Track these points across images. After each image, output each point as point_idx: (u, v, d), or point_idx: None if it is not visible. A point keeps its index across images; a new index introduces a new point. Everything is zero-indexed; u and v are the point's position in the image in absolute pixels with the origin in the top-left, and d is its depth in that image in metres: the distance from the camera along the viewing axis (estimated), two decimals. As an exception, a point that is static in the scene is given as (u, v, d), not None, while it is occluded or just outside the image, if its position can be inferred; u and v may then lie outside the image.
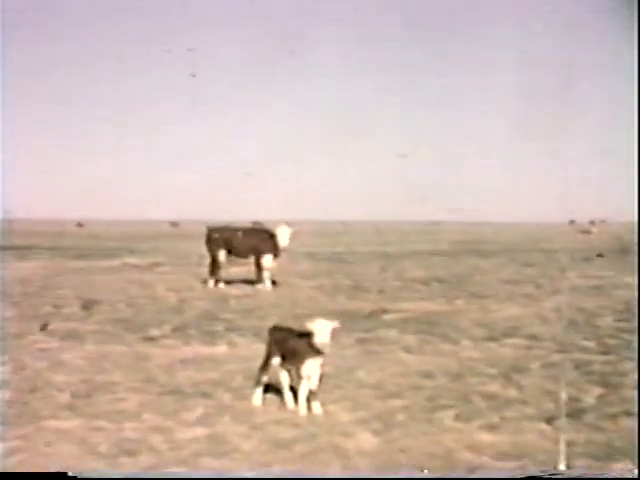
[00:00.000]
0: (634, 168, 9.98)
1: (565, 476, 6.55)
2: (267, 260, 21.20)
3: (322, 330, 8.83)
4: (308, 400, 9.00)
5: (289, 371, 9.23)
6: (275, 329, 9.61)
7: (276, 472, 7.10)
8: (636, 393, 9.26)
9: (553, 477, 6.52)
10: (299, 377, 9.00)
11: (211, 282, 21.31)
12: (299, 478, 6.59)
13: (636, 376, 9.90)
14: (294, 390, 9.16)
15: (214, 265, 21.56)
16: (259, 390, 9.39)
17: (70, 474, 6.40)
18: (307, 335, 8.88)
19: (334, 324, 8.95)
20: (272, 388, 9.50)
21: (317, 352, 8.87)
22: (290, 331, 9.31)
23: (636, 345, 11.76)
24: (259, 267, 21.24)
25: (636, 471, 6.62)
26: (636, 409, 8.73)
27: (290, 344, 9.13)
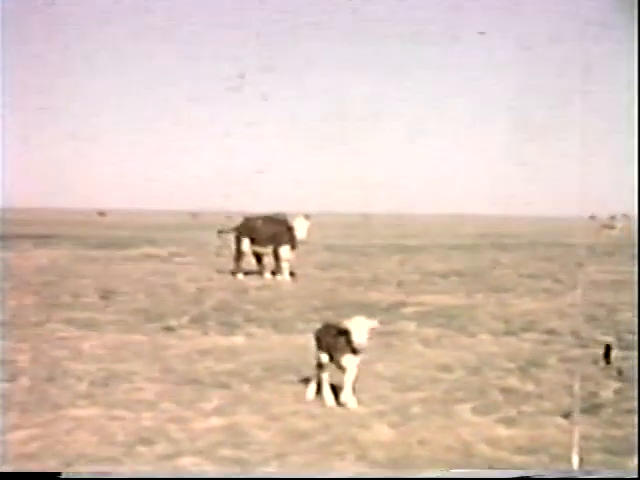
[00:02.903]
0: (634, 166, 9.89)
1: (566, 476, 6.53)
2: (285, 251, 21.23)
3: (359, 329, 8.61)
4: (337, 394, 8.92)
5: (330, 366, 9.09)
6: (322, 328, 9.30)
7: (292, 462, 7.11)
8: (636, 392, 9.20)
9: (554, 477, 6.50)
10: (341, 370, 8.86)
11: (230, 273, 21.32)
12: (298, 478, 6.59)
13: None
14: (333, 385, 9.07)
15: (239, 255, 21.57)
16: (313, 385, 9.23)
17: (63, 475, 6.42)
18: (345, 332, 8.67)
19: (373, 323, 8.76)
20: (293, 380, 9.51)
21: (354, 351, 8.67)
22: (332, 327, 9.03)
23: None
24: (277, 258, 21.28)
25: (636, 470, 6.59)
26: None
27: (330, 341, 8.91)
